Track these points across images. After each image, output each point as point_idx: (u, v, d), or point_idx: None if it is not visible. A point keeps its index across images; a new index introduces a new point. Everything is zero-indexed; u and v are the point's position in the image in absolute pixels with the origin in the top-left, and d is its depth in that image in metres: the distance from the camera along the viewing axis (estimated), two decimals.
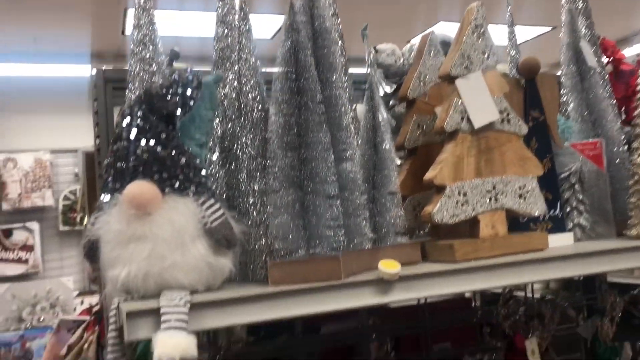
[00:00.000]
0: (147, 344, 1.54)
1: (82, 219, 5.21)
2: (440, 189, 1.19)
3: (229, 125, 1.21)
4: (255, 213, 1.11)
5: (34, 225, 5.19)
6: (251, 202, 1.12)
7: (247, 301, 0.94)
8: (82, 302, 5.08)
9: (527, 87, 1.40)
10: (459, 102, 1.22)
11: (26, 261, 5.13)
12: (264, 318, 0.94)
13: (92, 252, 0.99)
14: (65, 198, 5.34)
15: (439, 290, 1.06)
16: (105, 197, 0.98)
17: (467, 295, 2.26)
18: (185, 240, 0.93)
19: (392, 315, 2.05)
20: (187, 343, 0.84)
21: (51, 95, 5.34)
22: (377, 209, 1.21)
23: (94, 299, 4.76)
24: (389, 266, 1.01)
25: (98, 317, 4.11)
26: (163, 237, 0.92)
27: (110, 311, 0.95)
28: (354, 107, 1.34)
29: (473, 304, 2.20)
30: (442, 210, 1.17)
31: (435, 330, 2.02)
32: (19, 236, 5.14)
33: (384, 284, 1.02)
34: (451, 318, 2.03)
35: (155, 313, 0.88)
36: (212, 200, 0.98)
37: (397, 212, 1.22)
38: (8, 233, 5.12)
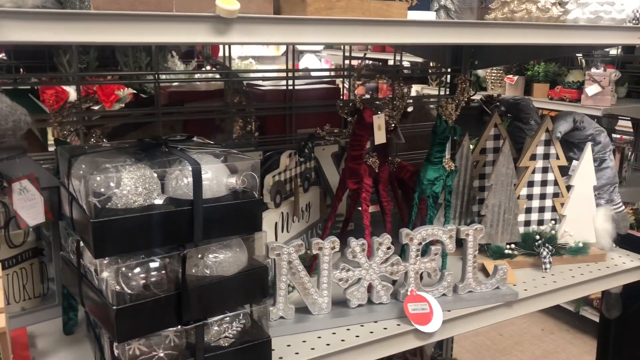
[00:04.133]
0: None
1: None
2: None
3: None
4: None
5: None
6: None
7: (66, 18, 0.84)
8: None
9: None
10: None
11: None
12: (84, 39, 0.86)
13: None
14: None
15: (283, 38, 1.02)
16: None
17: (337, 84, 2.28)
18: None
19: (259, 96, 2.03)
20: None
21: None
22: None
23: None
24: (227, 2, 0.93)
25: None
26: None
27: None
28: None
29: (342, 95, 2.22)
30: None
31: (301, 115, 2.05)
32: None
33: (222, 22, 0.95)
34: (317, 104, 2.05)
35: None
36: None
37: None
38: None
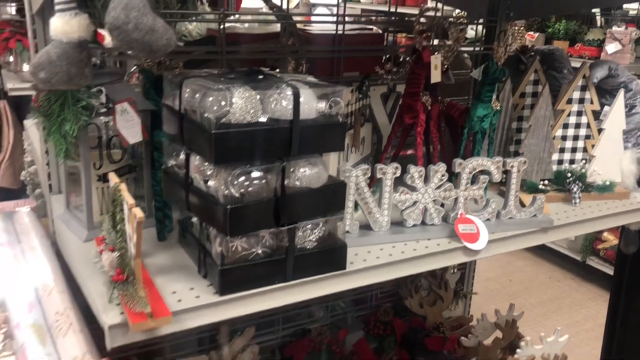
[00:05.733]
0: None
1: None
2: None
3: None
4: None
5: None
6: None
7: None
8: None
9: None
10: None
11: None
12: None
13: None
14: None
15: None
16: None
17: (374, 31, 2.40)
18: None
19: (310, 40, 2.16)
20: None
21: None
22: None
23: None
24: None
25: None
26: None
27: None
28: None
29: (385, 43, 2.35)
30: None
31: (347, 58, 2.18)
32: None
33: None
34: (364, 48, 2.18)
35: None
36: None
37: None
38: None
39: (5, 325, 1.25)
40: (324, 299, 2.45)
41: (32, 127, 2.26)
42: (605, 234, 4.27)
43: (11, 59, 3.78)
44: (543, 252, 4.68)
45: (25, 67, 3.65)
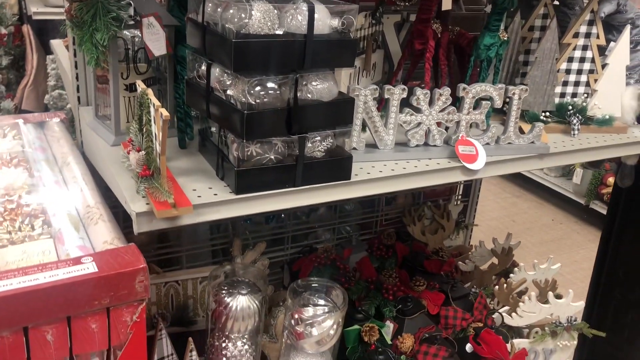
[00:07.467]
0: None
1: None
2: None
3: None
4: None
5: None
6: None
7: None
8: None
9: None
10: None
11: None
12: None
13: None
14: None
15: None
16: None
17: None
18: None
19: None
20: None
21: None
22: None
23: None
24: None
25: None
26: None
27: None
28: None
29: None
30: None
31: None
32: None
33: None
34: None
35: None
36: None
37: None
38: None
39: (43, 215, 1.39)
40: (331, 223, 2.60)
41: (59, 46, 2.36)
42: (610, 179, 4.35)
43: None
44: (548, 195, 4.78)
45: None
